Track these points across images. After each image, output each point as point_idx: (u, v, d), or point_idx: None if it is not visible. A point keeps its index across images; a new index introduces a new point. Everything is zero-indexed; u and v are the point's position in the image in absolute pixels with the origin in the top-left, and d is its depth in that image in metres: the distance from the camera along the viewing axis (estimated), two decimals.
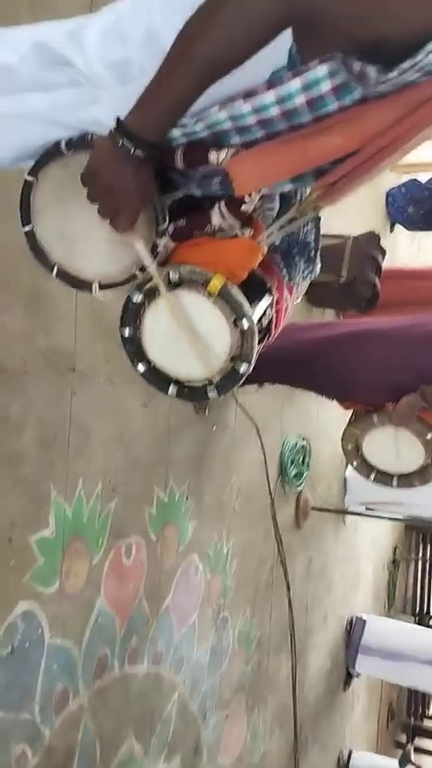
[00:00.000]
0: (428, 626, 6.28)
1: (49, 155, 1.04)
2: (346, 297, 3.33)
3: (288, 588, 3.32)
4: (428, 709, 6.32)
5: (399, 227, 4.74)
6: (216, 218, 1.03)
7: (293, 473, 3.33)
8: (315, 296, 3.37)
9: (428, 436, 2.21)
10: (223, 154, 0.92)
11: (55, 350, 1.79)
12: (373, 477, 2.46)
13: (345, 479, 4.20)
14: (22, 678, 1.69)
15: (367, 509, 3.96)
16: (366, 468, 2.44)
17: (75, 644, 1.87)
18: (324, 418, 3.59)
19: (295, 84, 0.85)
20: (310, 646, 3.74)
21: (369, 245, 3.29)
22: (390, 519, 4.02)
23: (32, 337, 1.73)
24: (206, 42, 0.81)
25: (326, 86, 0.85)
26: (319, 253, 1.35)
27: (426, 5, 0.75)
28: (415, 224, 4.60)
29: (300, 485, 3.41)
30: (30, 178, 1.06)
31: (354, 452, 2.42)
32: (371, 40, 0.80)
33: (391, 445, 2.29)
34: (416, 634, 4.57)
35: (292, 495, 3.40)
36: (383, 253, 3.41)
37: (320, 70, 0.84)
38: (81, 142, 1.01)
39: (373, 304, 3.34)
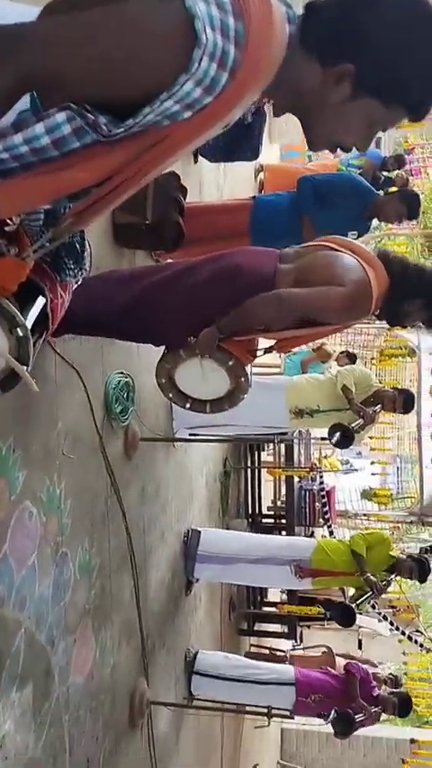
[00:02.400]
0: (261, 524, 6.92)
1: None
2: (153, 238, 3.48)
3: (124, 516, 3.57)
4: (266, 597, 7.05)
5: (202, 158, 4.90)
6: None
7: (119, 409, 3.52)
8: (124, 238, 3.49)
9: (230, 363, 2.48)
10: None
11: None
12: (188, 405, 2.72)
13: (171, 407, 4.47)
14: None
15: (191, 434, 4.27)
16: (181, 398, 2.69)
17: None
18: (145, 354, 3.78)
19: (39, 127, 0.98)
20: (151, 562, 4.07)
21: (170, 187, 3.43)
22: (213, 441, 4.36)
23: None
24: None
25: (66, 129, 0.98)
26: (87, 252, 1.49)
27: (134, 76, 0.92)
28: (216, 155, 4.77)
29: (126, 419, 3.61)
30: None
31: (168, 385, 2.65)
32: (96, 100, 0.95)
33: (199, 375, 2.54)
34: (244, 538, 5.08)
35: (120, 431, 3.60)
36: (184, 192, 3.57)
37: (60, 116, 0.97)
38: None
39: (180, 243, 3.52)
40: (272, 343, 2.61)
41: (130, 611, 3.69)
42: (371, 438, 11.84)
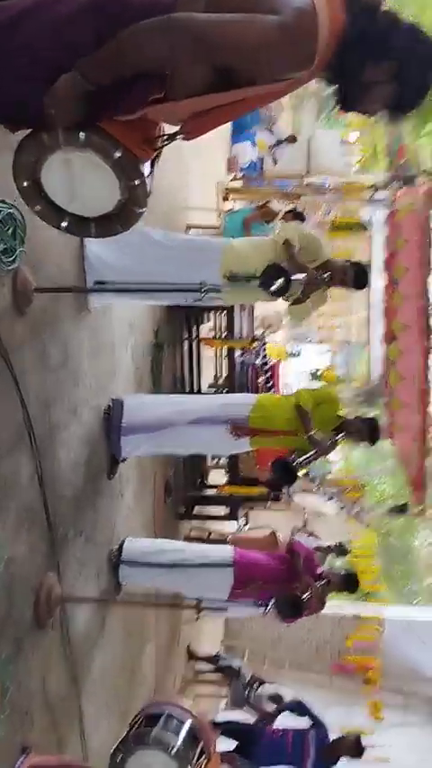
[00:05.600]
0: None
1: None
2: None
3: (16, 382, 2.89)
4: (206, 479, 6.61)
5: None
6: None
7: (1, 249, 2.77)
8: None
9: (116, 155, 1.71)
10: None
11: None
12: (65, 225, 1.97)
13: (83, 256, 3.71)
14: None
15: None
16: (53, 213, 1.93)
17: None
18: None
19: None
20: (59, 441, 3.43)
21: None
22: (129, 291, 3.62)
23: None
24: None
25: None
26: None
27: None
28: None
29: (12, 262, 2.85)
30: None
31: (32, 191, 1.87)
32: None
33: (73, 174, 1.78)
34: (175, 400, 4.45)
35: (5, 276, 2.85)
36: None
37: None
38: None
39: None
40: (176, 128, 1.84)
41: (32, 497, 3.08)
42: (319, 316, 11.37)
